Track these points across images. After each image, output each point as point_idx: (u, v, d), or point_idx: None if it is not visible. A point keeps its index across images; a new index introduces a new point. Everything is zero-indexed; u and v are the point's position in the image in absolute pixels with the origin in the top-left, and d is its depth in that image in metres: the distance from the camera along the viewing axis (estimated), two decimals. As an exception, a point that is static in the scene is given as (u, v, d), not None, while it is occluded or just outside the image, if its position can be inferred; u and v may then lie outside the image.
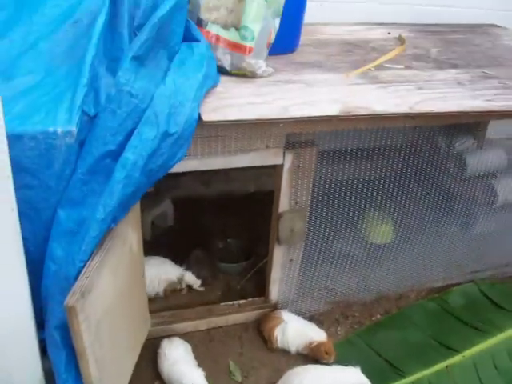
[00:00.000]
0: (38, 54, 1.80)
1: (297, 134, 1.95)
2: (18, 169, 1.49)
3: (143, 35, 1.65)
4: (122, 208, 1.60)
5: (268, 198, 2.97)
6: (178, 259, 2.45)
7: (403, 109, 1.94)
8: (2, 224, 1.40)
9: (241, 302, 2.34)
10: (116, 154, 1.60)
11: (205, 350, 2.19)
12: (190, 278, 2.37)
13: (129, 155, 1.55)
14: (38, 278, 1.61)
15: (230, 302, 2.33)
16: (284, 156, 1.97)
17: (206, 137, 1.81)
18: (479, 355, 2.28)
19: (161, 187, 2.63)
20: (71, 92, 1.63)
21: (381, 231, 2.68)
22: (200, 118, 1.68)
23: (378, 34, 2.73)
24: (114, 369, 1.75)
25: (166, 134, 1.60)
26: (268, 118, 1.78)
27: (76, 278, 1.51)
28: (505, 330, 2.39)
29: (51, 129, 1.54)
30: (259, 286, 2.44)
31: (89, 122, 1.62)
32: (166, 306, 2.29)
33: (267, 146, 1.93)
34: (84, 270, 1.50)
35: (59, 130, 1.54)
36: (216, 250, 2.55)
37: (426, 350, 2.30)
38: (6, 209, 1.38)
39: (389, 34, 2.74)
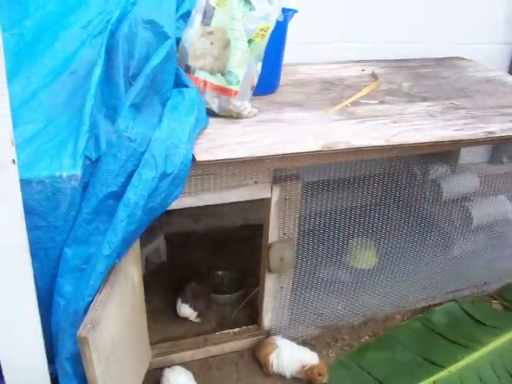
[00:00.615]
0: (39, 104, 1.93)
1: (282, 169, 2.09)
2: (27, 211, 1.59)
3: (138, 84, 1.79)
4: (125, 244, 1.72)
5: (255, 231, 3.11)
6: (174, 293, 2.57)
7: (380, 142, 2.09)
8: (17, 265, 1.50)
9: (235, 330, 2.45)
10: (118, 195, 1.72)
11: (204, 377, 2.28)
12: (186, 311, 2.47)
13: (131, 195, 1.68)
14: (46, 314, 1.71)
15: (226, 331, 2.44)
16: (272, 190, 2.11)
17: (200, 175, 1.94)
18: (464, 369, 2.40)
19: (154, 224, 2.74)
20: (73, 139, 1.76)
21: (365, 257, 2.82)
22: (194, 158, 1.81)
23: (352, 71, 2.91)
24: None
25: (164, 175, 1.73)
26: (255, 156, 1.91)
27: (85, 311, 1.62)
28: (487, 344, 2.53)
29: (57, 173, 1.66)
30: (252, 314, 2.55)
31: (91, 165, 1.75)
32: (164, 337, 2.39)
33: (255, 182, 2.07)
34: (93, 303, 1.61)
35: (65, 174, 1.66)
36: (209, 282, 2.65)
37: (413, 367, 2.42)
38: (21, 251, 1.48)
39: (363, 70, 2.92)
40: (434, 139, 2.16)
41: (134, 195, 1.68)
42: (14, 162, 1.33)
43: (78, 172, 1.68)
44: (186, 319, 2.52)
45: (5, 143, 1.30)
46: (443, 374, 2.38)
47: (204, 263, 2.86)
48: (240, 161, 1.91)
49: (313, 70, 2.87)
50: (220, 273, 2.78)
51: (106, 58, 1.90)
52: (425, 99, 2.58)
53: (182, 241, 3.02)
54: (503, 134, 2.30)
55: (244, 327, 2.47)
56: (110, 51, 1.91)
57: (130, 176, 1.73)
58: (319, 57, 2.99)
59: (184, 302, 2.49)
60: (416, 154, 2.53)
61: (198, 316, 2.51)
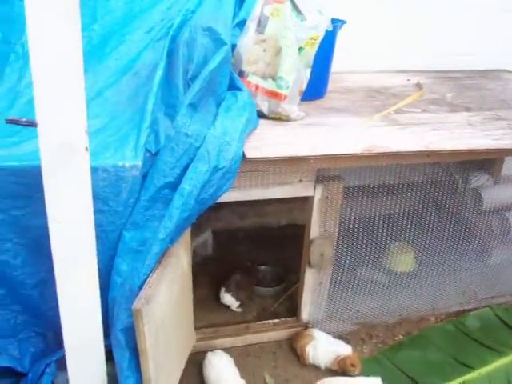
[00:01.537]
0: (104, 101, 2.13)
1: (326, 169, 2.23)
2: (92, 197, 1.79)
3: (196, 86, 1.96)
4: (178, 230, 1.88)
5: (298, 231, 3.25)
6: (219, 283, 2.73)
7: (418, 147, 2.21)
8: (83, 245, 1.68)
9: (275, 321, 2.59)
10: (174, 185, 1.90)
11: (242, 363, 2.42)
12: (229, 299, 2.63)
13: (186, 186, 1.84)
14: (103, 291, 1.89)
15: (265, 321, 2.58)
16: (315, 189, 2.25)
17: (248, 171, 2.09)
18: (494, 372, 2.47)
19: (202, 219, 2.92)
20: (135, 133, 1.94)
21: (403, 261, 2.92)
22: (244, 155, 1.97)
23: (398, 80, 3.02)
24: (166, 372, 2.01)
25: (216, 169, 1.89)
26: (301, 156, 2.07)
27: (139, 288, 1.78)
28: (518, 350, 2.59)
29: (120, 163, 1.84)
30: (291, 307, 2.69)
31: (150, 158, 1.93)
32: (208, 323, 2.54)
33: (300, 180, 2.21)
34: (147, 281, 1.78)
35: (127, 164, 1.84)
36: (253, 275, 2.80)
37: (444, 367, 2.50)
38: (88, 231, 1.66)
39: (408, 80, 3.03)
40: (470, 147, 2.26)
41: (189, 186, 1.85)
42: (86, 149, 1.51)
43: (139, 163, 1.86)
44: (228, 308, 2.67)
45: (80, 132, 1.48)
46: (473, 375, 2.46)
47: (248, 258, 3.01)
48: (286, 159, 2.06)
49: (359, 78, 3.00)
50: (263, 267, 2.92)
51: (167, 61, 2.08)
52: (467, 109, 2.67)
53: (228, 236, 3.18)
54: (542, 146, 2.37)
55: (283, 319, 2.60)
56: (170, 55, 2.10)
57: (185, 168, 1.90)
58: (366, 66, 3.11)
59: (227, 291, 2.64)
60: (453, 161, 2.62)
61: (239, 306, 2.66)
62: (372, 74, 3.09)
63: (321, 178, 2.24)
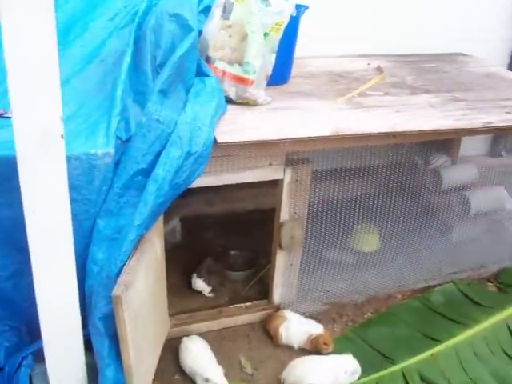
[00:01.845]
0: (71, 89, 2.11)
1: (295, 152, 2.26)
2: (65, 186, 1.78)
3: (166, 72, 1.97)
4: (153, 216, 1.89)
5: (264, 215, 3.29)
6: (189, 270, 2.75)
7: (384, 129, 2.27)
8: (61, 233, 1.67)
9: (247, 304, 2.62)
10: (147, 172, 1.90)
11: (217, 347, 2.44)
12: (201, 285, 2.65)
13: (159, 171, 1.85)
14: (79, 281, 1.88)
15: (238, 305, 2.61)
16: (284, 172, 2.28)
17: (219, 156, 2.11)
18: (460, 344, 2.57)
19: (170, 206, 2.93)
20: (105, 120, 1.94)
21: (368, 241, 2.99)
22: (215, 140, 1.98)
23: (359, 65, 3.08)
24: (145, 359, 2.02)
25: (189, 154, 1.90)
26: (270, 139, 2.10)
27: (117, 275, 1.79)
28: (482, 322, 2.69)
29: (93, 151, 1.84)
30: (262, 290, 2.73)
31: (121, 145, 1.93)
32: (181, 310, 2.56)
33: (270, 164, 2.24)
34: (125, 267, 1.78)
35: (99, 151, 1.84)
36: (223, 260, 2.83)
37: (412, 341, 2.59)
38: (65, 220, 1.66)
39: (368, 64, 3.09)
40: (433, 127, 2.33)
41: (162, 171, 1.85)
42: (62, 136, 1.50)
43: (111, 150, 1.86)
44: (200, 294, 2.70)
45: (55, 119, 1.47)
46: (440, 347, 2.55)
47: (217, 244, 3.03)
48: (256, 143, 2.09)
49: (322, 63, 3.04)
50: (233, 252, 2.96)
51: (134, 48, 2.08)
52: (427, 92, 2.75)
53: (197, 223, 3.19)
54: (500, 125, 2.47)
55: (255, 302, 2.64)
56: (137, 41, 2.10)
57: (157, 155, 1.91)
58: (328, 51, 3.16)
59: (199, 276, 2.67)
60: (417, 141, 2.69)
61: (211, 291, 2.69)
62: (334, 58, 3.13)
63: (290, 162, 2.28)
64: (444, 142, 3.34)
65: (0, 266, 1.98)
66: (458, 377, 2.43)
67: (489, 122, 2.46)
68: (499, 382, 2.42)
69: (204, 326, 2.53)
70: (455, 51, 3.47)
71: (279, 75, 2.57)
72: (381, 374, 2.41)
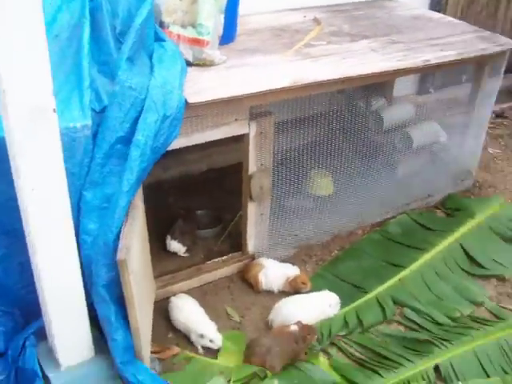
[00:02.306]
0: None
1: (257, 106, 2.36)
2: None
3: (131, 40, 1.99)
4: (138, 182, 1.95)
5: (219, 174, 3.40)
6: (158, 235, 2.82)
7: (336, 75, 2.41)
8: (59, 209, 1.71)
9: (223, 258, 2.73)
10: (125, 140, 1.95)
11: (202, 302, 2.53)
12: (176, 246, 2.74)
13: (139, 137, 1.90)
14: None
15: (215, 260, 2.72)
16: (249, 126, 2.38)
17: (188, 117, 2.17)
18: (422, 267, 2.81)
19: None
20: (77, 94, 1.95)
21: (323, 185, 3.15)
22: (186, 101, 2.05)
23: (295, 18, 3.18)
24: (145, 319, 2.11)
25: (165, 117, 1.97)
26: (235, 96, 2.19)
27: (114, 241, 1.85)
28: (437, 245, 2.94)
29: (71, 124, 1.86)
30: (234, 243, 2.84)
31: (96, 116, 1.95)
32: (161, 272, 2.63)
33: (236, 119, 2.33)
34: (122, 233, 1.84)
35: (78, 124, 1.87)
36: (193, 220, 2.91)
37: (379, 270, 2.80)
38: (63, 195, 1.70)
39: (304, 17, 3.20)
40: (381, 69, 2.50)
41: (143, 137, 1.91)
42: (54, 110, 1.53)
43: (89, 122, 1.89)
44: (175, 255, 2.78)
45: (47, 94, 1.50)
46: (406, 272, 2.78)
47: (179, 206, 3.10)
48: (223, 101, 2.18)
49: (261, 19, 3.11)
50: (199, 212, 3.04)
51: (91, 20, 2.08)
52: (365, 37, 2.91)
53: (156, 189, 3.23)
54: (437, 61, 2.68)
55: (230, 255, 2.75)
56: (94, 13, 2.09)
57: (134, 122, 1.95)
58: (263, 7, 3.22)
59: (173, 238, 2.75)
60: (361, 85, 2.81)
61: (186, 251, 2.77)
62: (271, 14, 3.21)
63: (254, 115, 2.38)
64: (379, 85, 3.51)
65: (-12, 252, 1.99)
66: (425, 296, 2.66)
67: (427, 60, 2.66)
68: (461, 295, 2.69)
69: (186, 285, 2.62)
70: (381, -3, 3.63)
71: (226, 34, 2.63)
72: (357, 303, 2.61)
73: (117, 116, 1.93)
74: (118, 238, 1.86)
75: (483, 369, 2.30)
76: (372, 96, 3.45)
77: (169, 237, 2.76)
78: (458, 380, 2.25)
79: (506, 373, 2.29)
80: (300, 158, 2.79)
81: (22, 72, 1.45)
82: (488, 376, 2.27)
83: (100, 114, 1.96)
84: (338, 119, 2.94)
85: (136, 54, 2.04)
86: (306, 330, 2.30)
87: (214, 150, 3.39)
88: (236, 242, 2.82)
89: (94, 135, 1.94)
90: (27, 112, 1.49)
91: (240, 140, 2.45)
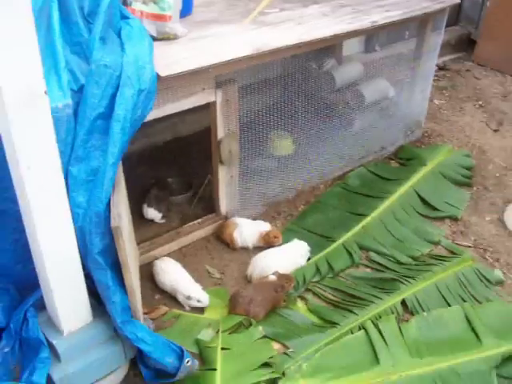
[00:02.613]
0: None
1: (222, 75, 2.50)
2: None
3: (101, 20, 2.09)
4: (121, 154, 2.08)
5: (182, 143, 3.53)
6: (133, 203, 2.94)
7: (294, 41, 2.57)
8: (55, 185, 1.82)
9: (199, 220, 2.89)
10: (105, 115, 2.06)
11: (183, 263, 2.70)
12: (153, 213, 2.88)
13: (119, 111, 2.02)
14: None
15: (191, 223, 2.88)
16: (216, 94, 2.52)
17: (160, 90, 2.29)
18: (382, 213, 3.06)
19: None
20: (54, 75, 2.03)
21: (283, 145, 3.33)
22: (158, 75, 2.17)
23: (246, -13, 3.30)
24: (136, 282, 2.26)
25: (140, 91, 2.08)
26: (202, 66, 2.32)
27: (105, 211, 1.98)
28: (394, 193, 3.19)
29: (53, 105, 1.95)
30: (206, 207, 3.01)
31: (74, 95, 2.05)
32: (141, 239, 2.77)
33: (203, 89, 2.47)
34: (112, 202, 1.98)
35: (59, 104, 1.96)
36: (166, 188, 3.05)
37: (344, 220, 3.03)
38: (57, 170, 1.81)
39: (255, -16, 3.32)
40: (334, 32, 2.67)
41: (122, 111, 2.02)
42: (45, 92, 1.64)
43: (70, 101, 1.99)
44: (152, 221, 2.92)
45: (38, 77, 1.60)
46: (368, 219, 3.02)
47: (149, 176, 3.22)
48: (192, 72, 2.30)
49: (214, -10, 3.22)
50: (170, 180, 3.17)
51: (59, 2, 2.16)
52: (315, 2, 3.06)
53: (125, 161, 3.34)
54: (384, 22, 2.86)
55: (204, 217, 2.92)
56: (60, -5, 2.17)
57: (111, 97, 2.06)
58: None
59: (149, 206, 2.89)
60: (322, 47, 2.96)
61: (162, 217, 2.92)
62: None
63: (219, 84, 2.51)
64: (330, 47, 3.69)
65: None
66: (387, 239, 2.91)
67: (375, 21, 2.84)
68: (419, 236, 2.95)
69: (165, 249, 2.78)
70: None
71: (184, 7, 2.74)
72: (327, 251, 2.83)
73: (95, 93, 2.04)
74: (107, 207, 1.99)
75: (444, 299, 2.57)
76: (323, 57, 3.63)
77: (145, 205, 2.90)
78: (423, 311, 2.50)
79: (464, 301, 2.56)
80: (260, 122, 2.95)
81: (15, 58, 1.55)
82: (449, 305, 2.54)
83: (78, 93, 2.06)
84: (292, 82, 3.11)
85: (106, 34, 2.14)
86: (283, 278, 2.50)
87: (176, 119, 3.52)
88: (208, 205, 2.99)
89: (75, 113, 2.05)
90: (22, 95, 1.59)
91: (200, 109, 2.59)
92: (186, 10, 2.80)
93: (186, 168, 3.30)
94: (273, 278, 2.50)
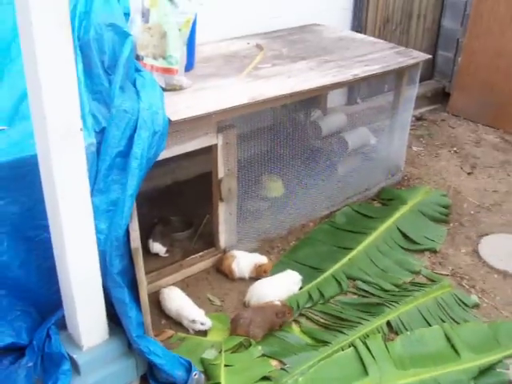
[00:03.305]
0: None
1: (223, 120, 2.82)
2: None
3: (121, 71, 2.41)
4: (138, 187, 2.36)
5: (182, 187, 3.81)
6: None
7: (286, 91, 2.92)
8: (84, 213, 2.10)
9: (200, 254, 3.16)
10: (124, 153, 2.35)
11: (186, 293, 2.93)
12: (158, 247, 3.14)
13: (137, 150, 2.32)
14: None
15: (193, 256, 3.14)
16: (217, 137, 2.84)
17: (169, 133, 2.60)
18: (367, 247, 3.34)
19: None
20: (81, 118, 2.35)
21: (274, 187, 3.64)
22: (169, 119, 2.49)
23: (240, 45, 3.67)
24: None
25: (154, 133, 2.39)
26: (205, 113, 2.65)
27: (123, 236, 2.25)
28: (377, 229, 3.48)
29: (82, 144, 2.26)
30: (206, 242, 3.28)
31: (96, 136, 2.36)
32: (147, 270, 2.99)
33: (206, 133, 2.79)
34: (130, 227, 2.25)
35: (86, 143, 2.26)
36: (170, 225, 3.32)
37: (332, 254, 3.30)
38: (87, 200, 2.09)
39: (248, 43, 3.70)
40: (321, 84, 3.03)
41: (139, 149, 2.32)
42: (81, 129, 1.94)
43: (94, 140, 2.29)
44: (157, 255, 3.17)
45: (76, 116, 1.91)
46: (354, 252, 3.30)
47: (153, 215, 3.49)
48: (197, 118, 2.63)
49: (210, 48, 3.58)
50: (173, 218, 3.45)
51: (82, 56, 2.49)
52: (303, 58, 3.44)
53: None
54: (364, 74, 3.24)
55: (205, 251, 3.18)
56: (83, 50, 2.50)
57: (129, 138, 2.36)
58: (208, 37, 3.68)
59: (154, 240, 3.15)
60: (310, 97, 3.32)
61: (166, 252, 3.18)
62: (217, 43, 3.65)
63: (220, 129, 2.83)
64: (315, 99, 4.07)
65: (11, 257, 2.33)
66: (372, 270, 3.19)
67: (356, 74, 3.21)
68: (401, 267, 3.23)
69: (170, 280, 3.03)
70: (309, 23, 4.19)
71: (188, 63, 3.09)
72: (317, 280, 3.10)
73: (115, 134, 2.34)
74: (126, 233, 2.26)
75: (426, 320, 2.83)
76: (309, 108, 4.00)
77: (150, 240, 3.16)
78: (407, 330, 2.76)
79: (443, 321, 2.82)
80: (254, 166, 3.26)
81: (60, 97, 1.85)
82: (430, 325, 2.80)
83: (99, 134, 2.36)
84: (282, 130, 3.46)
85: (124, 84, 2.47)
86: (286, 307, 2.76)
87: (175, 165, 3.82)
88: (207, 241, 3.26)
89: (97, 151, 2.35)
90: (62, 129, 1.89)
91: (198, 155, 2.92)
92: (189, 65, 3.14)
93: (184, 209, 3.58)
94: (278, 303, 2.75)
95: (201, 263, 3.15)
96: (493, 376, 2.54)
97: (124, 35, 2.51)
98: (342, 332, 2.74)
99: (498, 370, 2.56)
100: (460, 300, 2.97)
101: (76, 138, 1.96)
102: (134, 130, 2.37)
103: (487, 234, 3.53)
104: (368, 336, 2.71)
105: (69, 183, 2.00)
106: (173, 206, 3.63)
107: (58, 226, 2.06)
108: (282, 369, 2.56)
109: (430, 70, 5.33)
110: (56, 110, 1.86)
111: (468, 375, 2.51)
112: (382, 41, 3.88)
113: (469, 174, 4.23)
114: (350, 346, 2.65)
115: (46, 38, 1.77)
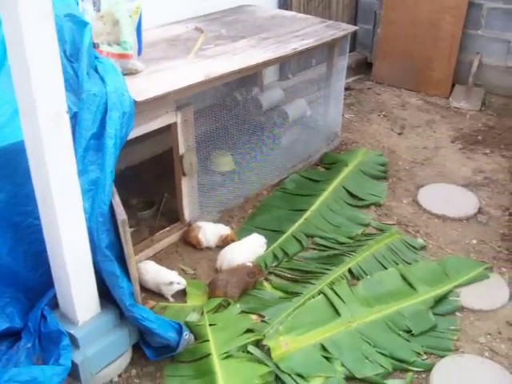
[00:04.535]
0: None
1: (181, 99, 2.99)
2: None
3: (85, 59, 2.53)
4: (114, 164, 2.50)
5: (135, 171, 3.94)
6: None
7: (235, 67, 3.12)
8: (72, 195, 2.22)
9: (167, 229, 3.32)
10: (97, 135, 2.48)
11: (160, 265, 3.12)
12: (126, 228, 3.27)
13: (110, 130, 2.45)
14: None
15: (161, 231, 3.30)
16: (177, 115, 3.00)
17: (135, 113, 2.75)
18: (319, 207, 3.62)
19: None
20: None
21: (225, 162, 3.84)
22: (134, 100, 2.63)
23: (180, 29, 3.82)
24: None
25: (124, 113, 2.53)
26: (165, 93, 2.81)
27: (108, 211, 2.40)
28: (325, 190, 3.76)
29: (56, 129, 2.37)
30: (169, 218, 3.44)
31: (70, 121, 2.47)
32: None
33: (166, 112, 2.95)
34: (113, 202, 2.39)
35: (61, 128, 2.38)
36: (133, 206, 3.46)
37: (288, 216, 3.55)
38: (75, 181, 2.22)
39: (187, 27, 3.86)
40: (265, 59, 3.25)
41: (112, 130, 2.46)
42: (67, 112, 2.07)
43: (69, 125, 2.41)
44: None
45: (62, 100, 2.03)
46: (308, 213, 3.57)
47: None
48: (158, 98, 2.78)
49: (153, 34, 3.70)
50: (134, 200, 3.58)
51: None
52: (242, 37, 3.64)
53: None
54: (302, 48, 3.48)
55: (172, 225, 3.35)
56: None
57: (101, 120, 2.49)
58: (149, 23, 3.81)
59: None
60: (254, 72, 3.53)
61: (133, 231, 3.32)
62: (157, 28, 3.79)
63: (179, 107, 3.00)
64: (252, 77, 4.29)
65: (-1, 245, 2.43)
66: (327, 226, 3.47)
67: (295, 48, 3.46)
68: (352, 221, 3.53)
69: (143, 256, 3.18)
70: (241, 4, 4.38)
71: (138, 48, 3.22)
72: (279, 241, 3.34)
73: (88, 117, 2.46)
74: (110, 209, 2.40)
75: (381, 264, 3.14)
76: (248, 86, 4.22)
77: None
78: (367, 275, 3.05)
79: (397, 263, 3.14)
80: (206, 142, 3.45)
81: (46, 83, 1.97)
82: (386, 268, 3.11)
83: (72, 119, 2.48)
84: (227, 108, 3.67)
85: (89, 69, 2.59)
86: (257, 268, 2.98)
87: (130, 149, 3.94)
88: (170, 216, 3.43)
89: (72, 135, 2.46)
90: (51, 114, 2.02)
91: (145, 140, 3.07)
92: (139, 51, 3.28)
93: (143, 190, 3.71)
94: (249, 264, 2.97)
95: (169, 237, 3.32)
96: (447, 304, 2.89)
97: (82, 24, 2.62)
98: (310, 283, 3.00)
99: (450, 298, 2.91)
100: (408, 244, 3.30)
101: (63, 119, 2.08)
102: (105, 113, 2.51)
103: (423, 185, 3.90)
104: (334, 283, 2.98)
105: (59, 163, 2.12)
106: (130, 189, 3.75)
107: (50, 207, 2.18)
108: (262, 321, 2.78)
109: (351, 43, 5.65)
110: (44, 93, 1.98)
111: (426, 305, 2.84)
112: (311, 16, 4.14)
113: (399, 134, 4.60)
114: (319, 294, 2.91)
115: (33, 27, 1.88)
